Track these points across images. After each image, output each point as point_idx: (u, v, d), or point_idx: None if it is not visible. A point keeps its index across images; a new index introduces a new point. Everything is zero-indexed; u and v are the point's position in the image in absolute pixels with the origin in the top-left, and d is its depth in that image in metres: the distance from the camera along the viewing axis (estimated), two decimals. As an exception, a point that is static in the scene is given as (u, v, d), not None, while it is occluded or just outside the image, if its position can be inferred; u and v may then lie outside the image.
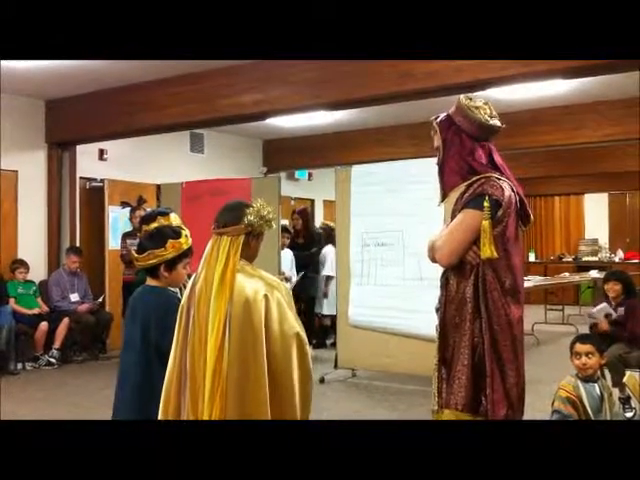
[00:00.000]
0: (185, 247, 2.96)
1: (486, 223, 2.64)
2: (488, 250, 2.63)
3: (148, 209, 6.73)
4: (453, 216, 2.85)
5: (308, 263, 8.29)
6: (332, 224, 8.48)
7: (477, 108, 2.79)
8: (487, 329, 2.64)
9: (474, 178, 2.76)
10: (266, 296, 2.47)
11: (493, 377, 2.64)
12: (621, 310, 5.36)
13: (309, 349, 2.61)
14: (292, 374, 2.50)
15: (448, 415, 2.68)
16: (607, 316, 5.38)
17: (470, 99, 2.82)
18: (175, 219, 3.08)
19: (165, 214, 3.07)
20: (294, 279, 7.63)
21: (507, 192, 2.71)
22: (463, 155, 2.78)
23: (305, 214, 8.87)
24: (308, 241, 8.46)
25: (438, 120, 2.86)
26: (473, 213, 2.69)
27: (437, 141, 2.86)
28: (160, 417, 2.57)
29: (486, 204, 2.65)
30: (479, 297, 2.66)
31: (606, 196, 14.34)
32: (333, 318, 8.19)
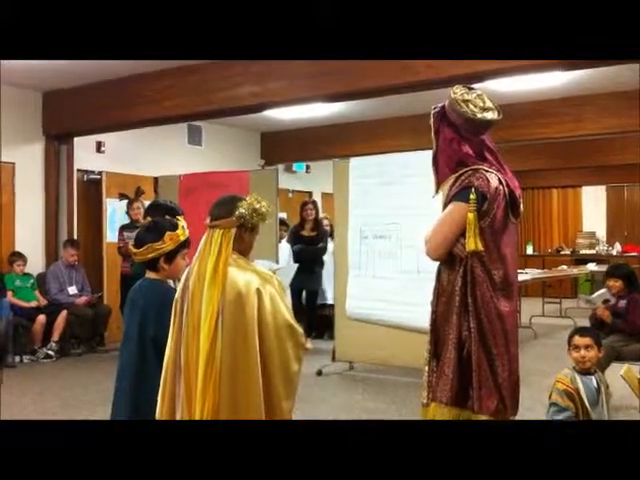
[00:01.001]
0: (182, 238, 2.96)
1: (471, 215, 2.63)
2: (473, 243, 2.62)
3: (146, 202, 6.73)
4: (444, 209, 2.83)
5: (316, 257, 8.18)
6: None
7: (466, 102, 2.74)
8: (475, 323, 2.63)
9: (462, 170, 2.75)
10: (259, 289, 2.48)
11: (480, 371, 2.62)
12: (623, 302, 5.37)
13: (304, 341, 2.63)
14: (288, 365, 2.52)
15: (434, 408, 2.68)
16: (605, 302, 5.39)
17: (465, 91, 2.78)
18: (181, 222, 3.06)
19: (176, 214, 3.07)
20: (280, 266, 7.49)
21: (493, 184, 2.69)
22: (452, 147, 2.77)
23: (317, 206, 8.66)
24: (318, 234, 8.35)
25: (433, 111, 2.85)
26: (459, 206, 2.68)
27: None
28: (157, 411, 2.58)
29: (472, 196, 2.64)
30: (467, 290, 2.65)
31: (604, 189, 14.34)
32: (324, 308, 8.34)
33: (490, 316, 2.65)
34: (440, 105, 2.84)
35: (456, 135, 2.76)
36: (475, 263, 2.65)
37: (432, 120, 2.83)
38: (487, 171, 2.72)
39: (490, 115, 2.77)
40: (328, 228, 8.63)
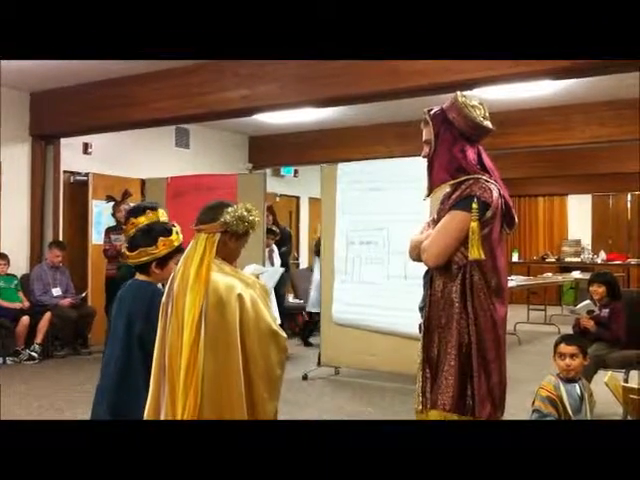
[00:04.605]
0: (176, 244, 2.97)
1: (474, 225, 2.64)
2: (476, 252, 2.64)
3: (132, 204, 6.70)
4: (439, 215, 2.84)
5: (281, 261, 8.24)
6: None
7: (473, 107, 2.77)
8: (474, 330, 2.65)
9: (462, 178, 2.74)
10: (240, 295, 2.48)
11: (479, 377, 2.65)
12: (605, 312, 5.41)
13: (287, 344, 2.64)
14: (271, 371, 2.53)
15: (435, 416, 2.68)
16: (589, 312, 5.43)
17: (465, 97, 2.80)
18: (163, 215, 3.08)
19: (154, 209, 3.07)
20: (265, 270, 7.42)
21: (495, 194, 2.71)
22: (454, 152, 2.76)
23: (273, 210, 8.70)
24: (280, 239, 8.34)
25: (431, 113, 2.83)
26: (461, 214, 2.68)
27: (427, 134, 2.83)
28: (145, 413, 2.57)
29: (474, 206, 2.65)
30: (466, 298, 2.67)
31: (590, 197, 14.44)
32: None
33: (487, 323, 2.68)
34: (437, 108, 2.84)
35: (460, 140, 2.77)
36: (474, 271, 2.68)
37: (431, 122, 2.80)
38: (487, 181, 2.74)
39: (490, 124, 2.81)
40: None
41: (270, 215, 8.28)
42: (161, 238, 2.92)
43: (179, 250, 2.98)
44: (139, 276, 3.01)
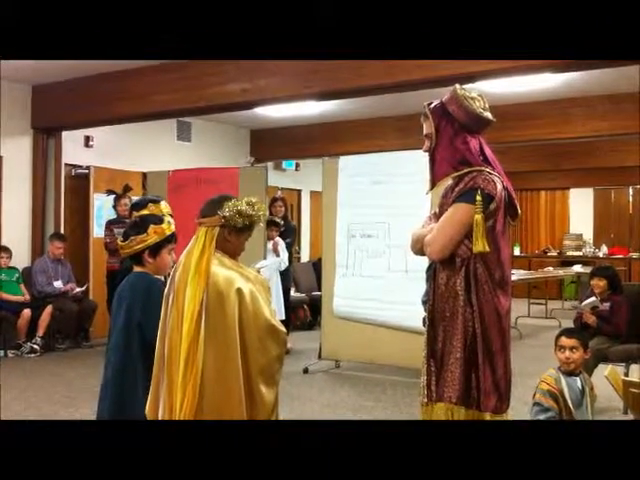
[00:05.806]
0: (168, 232, 2.98)
1: (479, 217, 2.63)
2: (481, 244, 2.63)
3: (134, 197, 6.71)
4: (441, 209, 2.83)
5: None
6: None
7: (472, 99, 2.76)
8: (479, 322, 2.66)
9: (465, 170, 2.73)
10: (239, 289, 2.48)
11: (484, 369, 2.66)
12: (606, 305, 5.41)
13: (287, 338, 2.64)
14: (270, 366, 2.53)
15: (441, 408, 2.68)
16: (593, 309, 5.44)
17: (464, 89, 2.79)
18: (165, 207, 3.10)
19: (156, 202, 3.09)
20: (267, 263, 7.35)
21: (499, 187, 2.71)
22: (456, 144, 2.75)
23: (286, 202, 8.70)
24: (285, 231, 8.31)
25: (431, 106, 2.82)
26: (465, 207, 2.68)
27: (428, 128, 2.82)
28: (147, 405, 2.58)
29: (478, 198, 2.64)
30: (470, 290, 2.67)
31: (591, 191, 14.42)
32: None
33: (491, 315, 2.68)
34: (437, 101, 2.83)
35: (461, 132, 2.76)
36: (478, 263, 2.67)
37: (431, 115, 2.80)
38: (491, 173, 2.73)
39: (490, 115, 2.80)
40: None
41: (283, 207, 8.22)
42: (152, 225, 2.94)
43: (171, 240, 3.00)
44: (136, 268, 3.03)
